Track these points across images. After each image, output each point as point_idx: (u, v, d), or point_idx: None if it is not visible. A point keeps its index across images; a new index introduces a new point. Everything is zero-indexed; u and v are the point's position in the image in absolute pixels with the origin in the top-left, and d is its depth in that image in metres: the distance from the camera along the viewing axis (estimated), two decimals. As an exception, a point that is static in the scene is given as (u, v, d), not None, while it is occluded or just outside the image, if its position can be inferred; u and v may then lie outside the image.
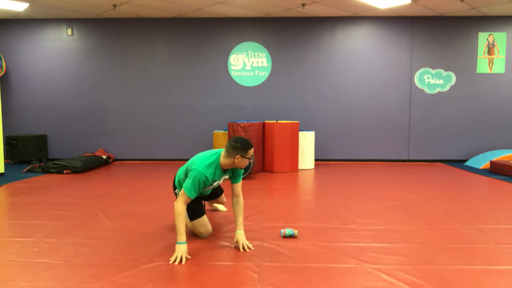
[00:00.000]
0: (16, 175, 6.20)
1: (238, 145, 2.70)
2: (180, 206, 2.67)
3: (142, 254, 2.72)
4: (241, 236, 2.86)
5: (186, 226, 3.16)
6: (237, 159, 2.72)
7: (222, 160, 2.78)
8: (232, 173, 2.95)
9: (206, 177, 2.72)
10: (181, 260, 2.57)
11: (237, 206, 2.95)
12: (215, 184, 2.93)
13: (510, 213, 3.89)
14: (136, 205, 4.19)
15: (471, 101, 7.76)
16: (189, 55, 7.85)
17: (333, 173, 6.54)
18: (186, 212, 3.08)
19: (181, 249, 2.62)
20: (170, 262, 2.56)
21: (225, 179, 2.98)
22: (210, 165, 2.76)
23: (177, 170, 3.21)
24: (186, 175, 2.92)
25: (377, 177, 6.08)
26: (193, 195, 2.70)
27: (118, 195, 4.70)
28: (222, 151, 2.81)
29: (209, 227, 3.10)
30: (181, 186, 3.07)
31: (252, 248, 2.81)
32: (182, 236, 2.64)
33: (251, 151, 2.76)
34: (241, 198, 2.97)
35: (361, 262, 2.58)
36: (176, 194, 3.19)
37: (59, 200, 4.39)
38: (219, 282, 2.28)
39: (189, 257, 2.65)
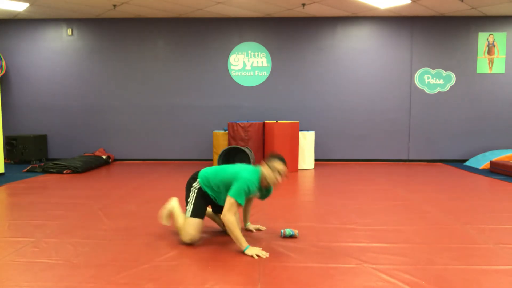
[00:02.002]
0: (16, 175, 6.20)
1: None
2: (232, 217, 2.68)
3: (142, 254, 2.72)
4: (251, 225, 3.27)
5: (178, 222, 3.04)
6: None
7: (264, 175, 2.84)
8: (262, 193, 3.02)
9: (255, 186, 2.77)
10: (259, 255, 2.65)
11: (248, 204, 3.23)
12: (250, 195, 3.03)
13: (510, 213, 3.89)
14: (136, 205, 4.19)
15: (471, 101, 7.76)
16: (189, 55, 7.85)
17: (333, 173, 6.54)
18: (192, 207, 2.92)
19: (253, 250, 2.69)
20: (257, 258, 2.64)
21: (251, 197, 3.05)
22: (257, 179, 2.81)
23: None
24: (222, 183, 2.86)
25: (377, 177, 6.08)
26: (243, 201, 2.73)
27: (118, 195, 4.70)
28: (262, 168, 2.87)
29: (198, 234, 2.92)
30: (194, 192, 2.96)
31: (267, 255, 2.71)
32: (244, 242, 2.71)
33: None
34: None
35: (361, 262, 2.58)
36: (188, 202, 2.97)
37: (59, 200, 4.39)
38: (219, 282, 2.28)
39: (267, 254, 2.68)
